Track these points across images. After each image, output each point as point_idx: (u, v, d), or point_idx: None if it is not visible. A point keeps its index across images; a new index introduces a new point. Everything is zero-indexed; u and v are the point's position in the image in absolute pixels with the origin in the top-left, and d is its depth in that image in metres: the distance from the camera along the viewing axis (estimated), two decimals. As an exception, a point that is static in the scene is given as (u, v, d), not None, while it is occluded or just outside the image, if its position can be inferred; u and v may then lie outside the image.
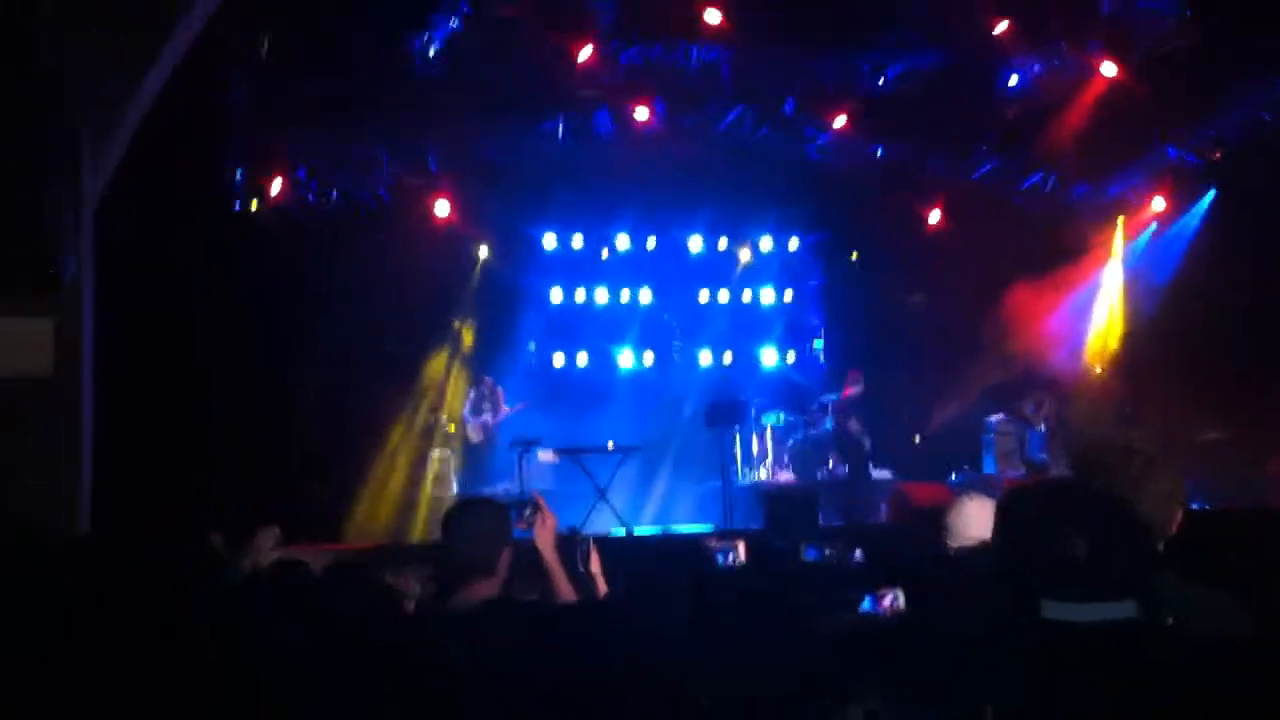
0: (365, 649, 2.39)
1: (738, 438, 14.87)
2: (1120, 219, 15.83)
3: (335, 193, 13.76)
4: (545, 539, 4.54)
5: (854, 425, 14.27)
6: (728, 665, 2.77)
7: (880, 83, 13.98)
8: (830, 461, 14.67)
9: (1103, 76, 13.62)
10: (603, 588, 4.63)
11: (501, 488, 13.13)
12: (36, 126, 7.26)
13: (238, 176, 12.80)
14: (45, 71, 7.21)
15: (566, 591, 4.47)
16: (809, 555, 6.04)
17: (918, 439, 15.06)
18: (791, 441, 14.99)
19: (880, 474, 14.31)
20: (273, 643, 2.47)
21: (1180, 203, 15.16)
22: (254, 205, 13.05)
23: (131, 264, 9.45)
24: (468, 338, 15.33)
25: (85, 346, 7.67)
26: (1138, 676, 2.01)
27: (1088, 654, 2.03)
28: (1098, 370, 15.40)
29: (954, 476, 13.57)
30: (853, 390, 14.51)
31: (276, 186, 13.16)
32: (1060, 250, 15.44)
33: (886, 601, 4.39)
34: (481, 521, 4.23)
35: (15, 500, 6.76)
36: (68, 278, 7.43)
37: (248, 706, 2.25)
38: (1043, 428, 14.13)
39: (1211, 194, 14.85)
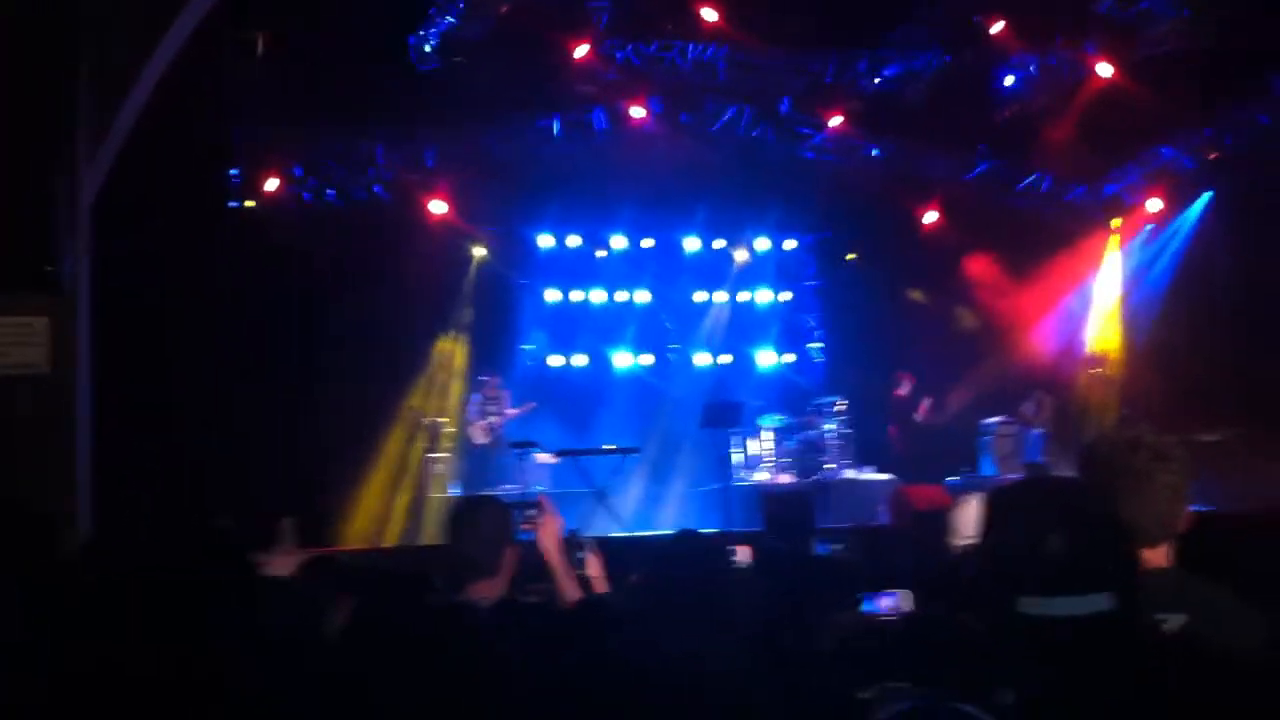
0: (388, 647, 2.36)
1: (736, 440, 14.83)
2: (1116, 220, 15.84)
3: (331, 190, 13.72)
4: (549, 540, 4.51)
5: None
6: (742, 666, 2.75)
7: (877, 82, 13.97)
8: (830, 463, 14.63)
9: (1099, 77, 13.60)
10: (602, 589, 4.61)
11: (502, 490, 13.06)
12: (31, 124, 7.24)
13: (233, 174, 12.75)
14: (37, 69, 7.19)
15: (571, 592, 4.45)
16: (819, 550, 6.05)
17: (909, 440, 15.03)
18: (788, 443, 14.96)
19: (878, 476, 14.28)
20: (303, 639, 2.44)
21: (1176, 204, 15.16)
22: (250, 202, 12.99)
23: (128, 261, 9.41)
24: (464, 338, 15.27)
25: (82, 343, 7.61)
26: (1113, 668, 2.02)
27: (1062, 647, 2.05)
28: (1096, 371, 15.39)
29: (952, 479, 13.53)
30: (903, 391, 14.55)
31: (272, 184, 13.12)
32: (1056, 251, 15.45)
33: (888, 602, 4.39)
34: (486, 521, 4.20)
35: (11, 495, 6.73)
36: (65, 275, 7.40)
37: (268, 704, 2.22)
38: (1041, 429, 14.12)
39: (1207, 195, 14.84)
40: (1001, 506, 2.32)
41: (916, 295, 15.71)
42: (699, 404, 14.57)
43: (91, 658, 2.14)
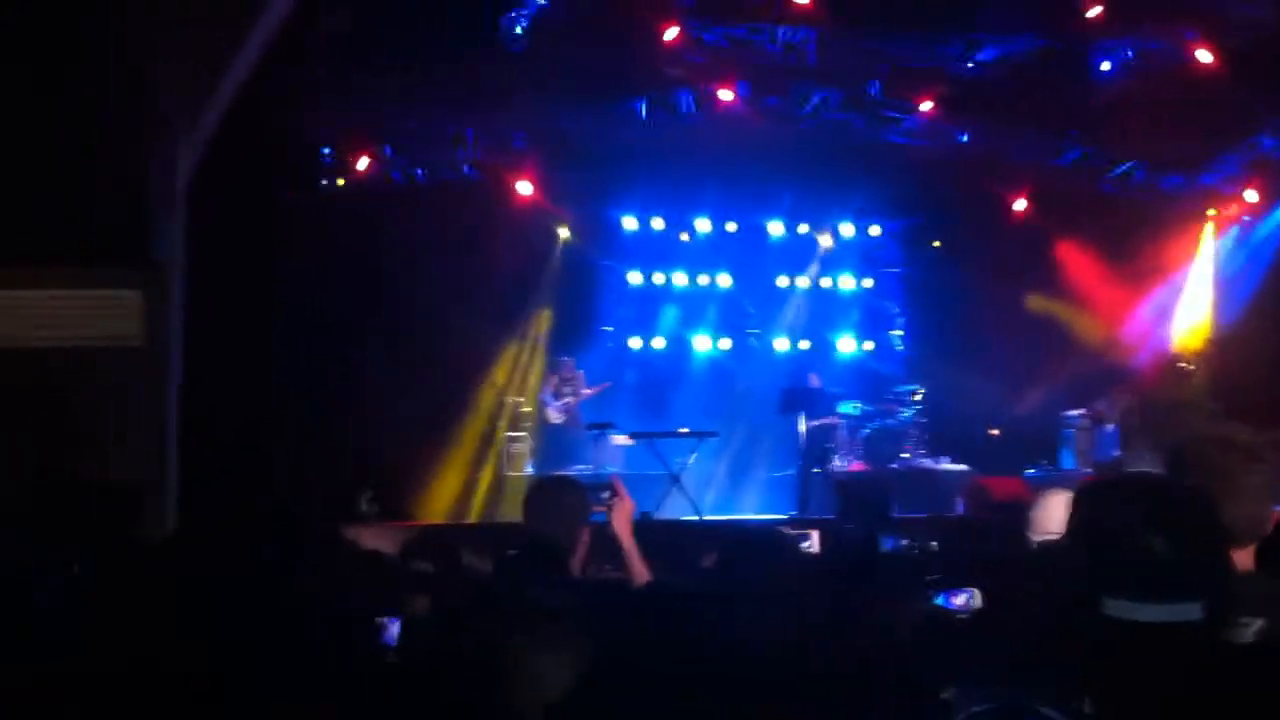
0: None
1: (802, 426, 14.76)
2: (1211, 211, 15.46)
3: (421, 170, 13.87)
4: (622, 522, 4.54)
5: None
6: (805, 653, 2.75)
7: (969, 66, 13.74)
8: (906, 452, 14.53)
9: (1197, 63, 13.26)
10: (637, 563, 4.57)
11: (576, 470, 13.16)
12: (131, 102, 7.40)
13: (325, 153, 12.93)
14: (136, 47, 7.35)
15: (641, 573, 4.48)
16: (886, 545, 6.01)
17: (995, 431, 14.85)
18: (867, 430, 14.87)
19: (955, 467, 14.15)
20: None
21: (1273, 195, 14.76)
22: (341, 181, 13.19)
23: (222, 238, 9.59)
24: (546, 319, 15.40)
25: (174, 317, 7.80)
26: (1197, 678, 1.97)
27: (1147, 653, 2.00)
28: (1184, 366, 15.06)
29: (1031, 471, 13.36)
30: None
31: (363, 163, 13.30)
32: (1148, 242, 15.14)
33: (961, 600, 4.36)
34: (562, 501, 4.26)
35: (103, 466, 6.91)
36: (159, 249, 7.57)
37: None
38: (1113, 427, 13.83)
39: (1306, 187, 14.45)
40: (1096, 501, 2.24)
41: (1038, 303, 15.42)
42: (777, 389, 14.53)
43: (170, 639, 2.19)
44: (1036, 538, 4.52)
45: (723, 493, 14.31)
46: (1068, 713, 1.80)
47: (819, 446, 13.85)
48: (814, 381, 14.37)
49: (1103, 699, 1.87)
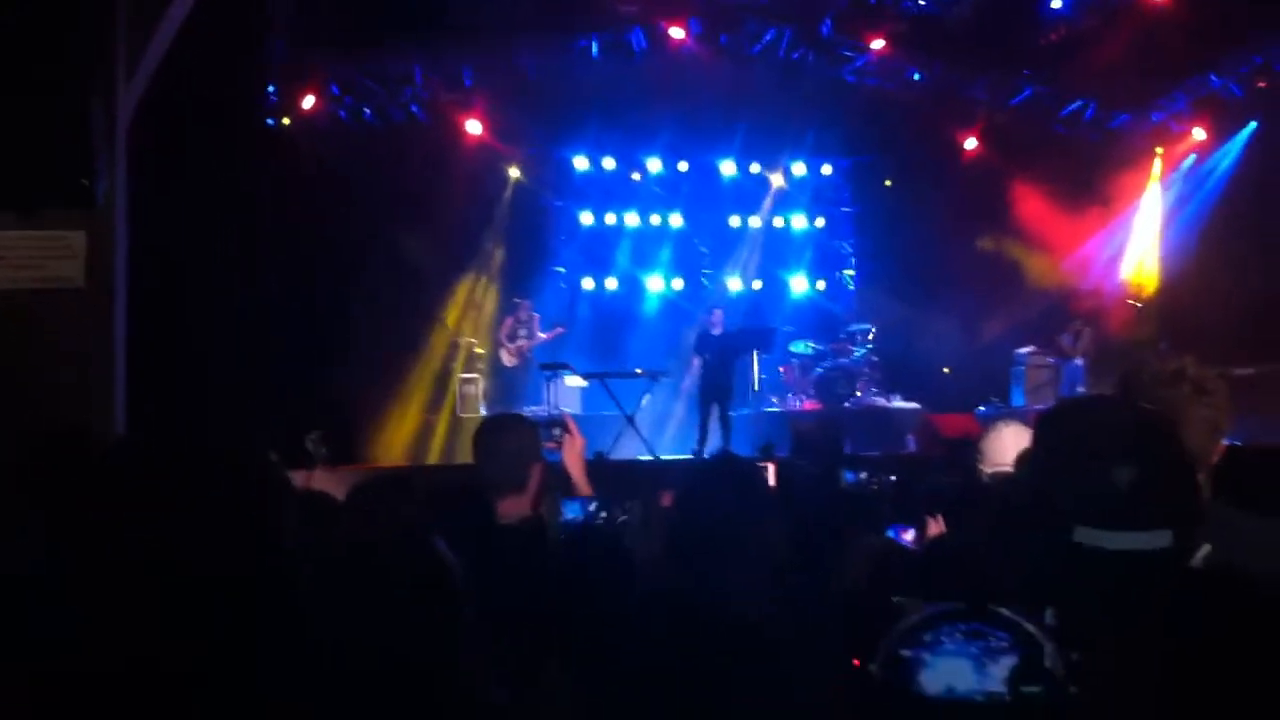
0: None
1: (755, 365, 14.79)
2: (1160, 149, 15.57)
3: (368, 109, 13.68)
4: (574, 459, 4.52)
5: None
6: (774, 590, 2.76)
7: (921, 4, 13.70)
8: (859, 390, 14.59)
9: (1148, 1, 13.29)
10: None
11: (529, 410, 13.12)
12: (71, 40, 7.23)
13: (271, 92, 12.71)
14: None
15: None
16: (847, 479, 6.03)
17: (946, 370, 14.97)
18: (819, 369, 14.92)
19: (906, 405, 14.25)
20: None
21: (1221, 133, 14.88)
22: (286, 121, 12.97)
23: (165, 177, 9.43)
24: (498, 260, 15.30)
25: (118, 258, 7.66)
26: (1169, 606, 1.97)
27: (1118, 581, 2.00)
28: (1133, 302, 15.22)
29: (981, 408, 13.48)
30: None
31: (309, 102, 13.08)
32: (1099, 179, 15.22)
33: (911, 535, 4.37)
34: (512, 439, 4.21)
35: (49, 408, 6.83)
36: (100, 191, 7.43)
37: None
38: (1080, 360, 13.97)
39: (1252, 125, 14.55)
40: (1063, 429, 2.22)
41: (990, 242, 15.47)
42: (731, 329, 14.53)
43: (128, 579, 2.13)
44: (988, 470, 4.53)
45: (677, 432, 14.34)
46: (1029, 619, 1.80)
47: (717, 386, 13.66)
48: (715, 318, 14.16)
49: (1065, 615, 1.87)
